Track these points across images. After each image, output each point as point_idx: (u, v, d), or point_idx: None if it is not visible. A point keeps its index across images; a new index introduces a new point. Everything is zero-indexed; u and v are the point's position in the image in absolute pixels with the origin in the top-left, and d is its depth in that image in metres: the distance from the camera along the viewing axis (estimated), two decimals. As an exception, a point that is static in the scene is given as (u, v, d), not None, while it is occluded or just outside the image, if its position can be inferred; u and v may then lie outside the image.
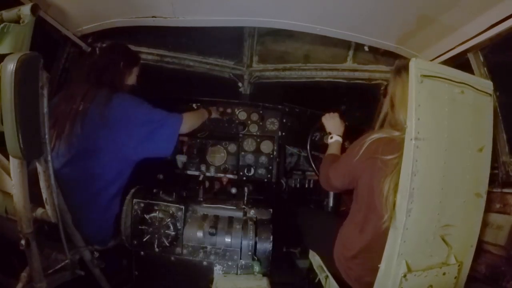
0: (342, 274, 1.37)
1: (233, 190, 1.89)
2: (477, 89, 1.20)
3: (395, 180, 1.09)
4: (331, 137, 1.71)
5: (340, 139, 1.69)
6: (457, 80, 1.13)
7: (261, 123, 2.28)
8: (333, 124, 1.75)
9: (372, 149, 1.21)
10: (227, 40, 2.24)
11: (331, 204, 2.03)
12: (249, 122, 2.28)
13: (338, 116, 1.77)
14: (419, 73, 1.04)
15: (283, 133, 2.27)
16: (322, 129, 1.82)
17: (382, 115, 1.35)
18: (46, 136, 1.12)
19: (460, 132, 1.14)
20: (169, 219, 1.59)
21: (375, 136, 1.23)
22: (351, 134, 2.07)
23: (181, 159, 2.26)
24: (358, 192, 1.33)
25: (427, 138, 1.04)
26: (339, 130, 1.72)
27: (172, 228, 1.58)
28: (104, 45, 2.10)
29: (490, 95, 1.25)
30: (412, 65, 1.04)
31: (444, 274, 1.16)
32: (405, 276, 1.06)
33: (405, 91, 1.17)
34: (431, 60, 1.69)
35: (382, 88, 1.43)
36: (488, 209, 1.31)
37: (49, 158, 1.15)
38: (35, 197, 1.15)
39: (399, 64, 1.32)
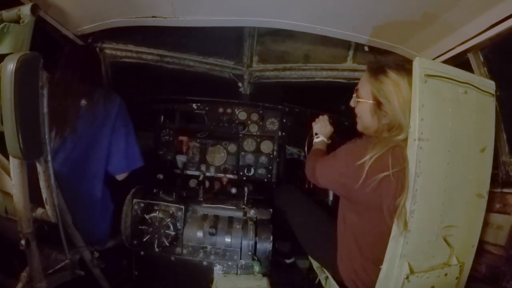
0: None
1: (233, 190, 1.89)
2: (480, 89, 1.19)
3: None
4: (317, 137, 1.68)
5: (325, 139, 1.66)
6: (461, 80, 1.12)
7: (261, 123, 2.28)
8: (320, 125, 1.71)
9: (377, 168, 1.05)
10: (227, 40, 2.23)
11: (330, 203, 2.04)
12: (249, 122, 2.28)
13: (327, 119, 1.73)
14: (423, 73, 1.02)
15: (283, 133, 2.27)
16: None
17: (373, 124, 1.22)
18: (46, 136, 1.12)
19: (463, 133, 1.13)
20: (169, 219, 1.59)
21: (373, 153, 1.06)
22: (351, 134, 2.07)
23: (181, 159, 2.25)
24: (361, 208, 1.20)
25: (431, 138, 1.03)
26: (325, 132, 1.68)
27: (172, 228, 1.59)
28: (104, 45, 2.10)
29: (493, 95, 1.25)
30: (416, 64, 1.02)
31: (446, 275, 1.16)
32: (407, 277, 1.06)
33: (401, 90, 1.10)
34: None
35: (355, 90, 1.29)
36: (488, 209, 1.31)
37: (49, 158, 1.15)
38: (35, 197, 1.15)
39: (380, 63, 1.18)
